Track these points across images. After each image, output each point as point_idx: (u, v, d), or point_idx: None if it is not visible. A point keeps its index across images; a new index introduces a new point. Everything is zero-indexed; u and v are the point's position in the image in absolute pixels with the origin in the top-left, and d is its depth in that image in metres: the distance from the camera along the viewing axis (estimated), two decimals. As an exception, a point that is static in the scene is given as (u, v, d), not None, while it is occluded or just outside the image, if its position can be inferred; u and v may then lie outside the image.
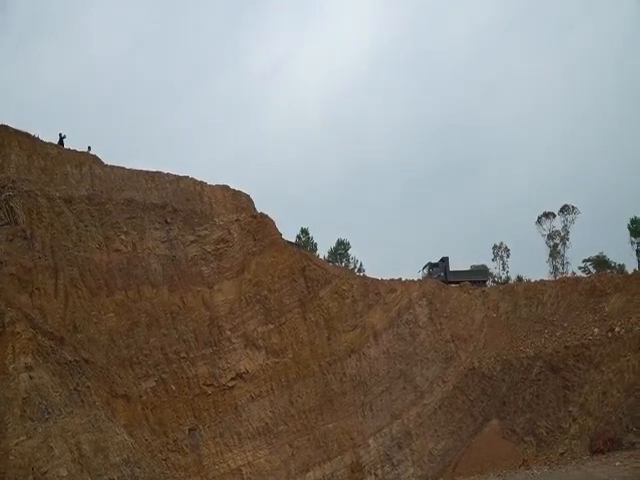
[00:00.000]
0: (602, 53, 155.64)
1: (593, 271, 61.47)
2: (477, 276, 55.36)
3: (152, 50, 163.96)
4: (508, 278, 70.32)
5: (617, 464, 27.81)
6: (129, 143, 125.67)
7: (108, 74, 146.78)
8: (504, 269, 73.10)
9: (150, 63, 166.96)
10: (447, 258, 55.88)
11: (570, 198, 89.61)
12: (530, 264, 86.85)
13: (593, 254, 64.20)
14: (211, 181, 42.80)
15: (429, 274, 55.29)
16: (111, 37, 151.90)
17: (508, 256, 73.12)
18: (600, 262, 62.85)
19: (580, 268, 64.52)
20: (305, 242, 63.71)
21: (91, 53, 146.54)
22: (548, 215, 68.78)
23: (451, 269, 56.38)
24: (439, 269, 55.20)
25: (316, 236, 67.32)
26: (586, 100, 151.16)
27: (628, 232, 62.99)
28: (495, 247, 73.55)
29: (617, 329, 41.97)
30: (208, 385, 37.15)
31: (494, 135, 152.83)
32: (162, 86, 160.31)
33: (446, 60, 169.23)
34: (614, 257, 65.12)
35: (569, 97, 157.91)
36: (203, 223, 41.05)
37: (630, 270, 57.10)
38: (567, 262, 66.79)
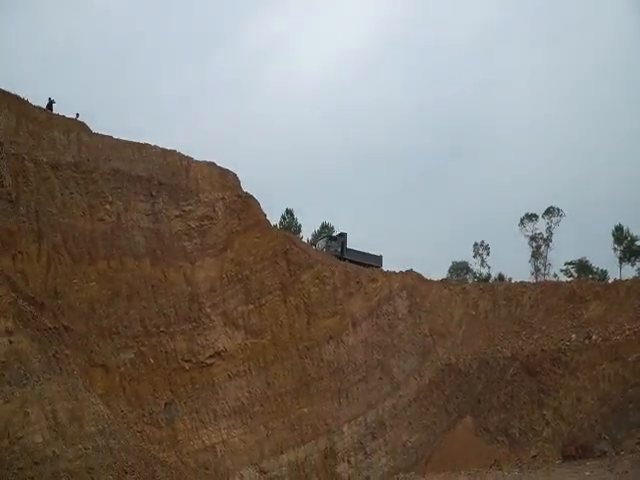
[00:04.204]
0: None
1: (575, 275, 62.14)
2: (371, 260, 54.46)
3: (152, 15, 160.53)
4: (489, 275, 71.02)
5: (587, 474, 27.48)
6: (119, 108, 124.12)
7: (106, 37, 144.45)
8: (483, 266, 73.85)
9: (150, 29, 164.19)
10: (345, 234, 54.60)
11: (558, 200, 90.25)
12: (513, 262, 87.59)
13: (577, 257, 65.14)
14: (198, 155, 42.28)
15: (326, 247, 54.13)
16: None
17: (488, 254, 73.79)
18: (582, 267, 63.56)
19: (562, 271, 65.44)
20: (289, 223, 63.43)
21: (92, 13, 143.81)
22: (531, 217, 69.48)
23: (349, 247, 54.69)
24: (336, 244, 53.97)
25: (301, 218, 67.21)
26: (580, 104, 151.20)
27: (612, 239, 63.59)
28: (476, 245, 74.21)
29: (594, 337, 42.16)
30: (186, 361, 36.83)
31: (484, 130, 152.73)
32: (158, 54, 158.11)
33: (448, 52, 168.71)
34: (597, 262, 66.09)
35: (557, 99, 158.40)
36: (188, 199, 40.51)
37: (612, 277, 57.78)
38: (549, 264, 67.44)
